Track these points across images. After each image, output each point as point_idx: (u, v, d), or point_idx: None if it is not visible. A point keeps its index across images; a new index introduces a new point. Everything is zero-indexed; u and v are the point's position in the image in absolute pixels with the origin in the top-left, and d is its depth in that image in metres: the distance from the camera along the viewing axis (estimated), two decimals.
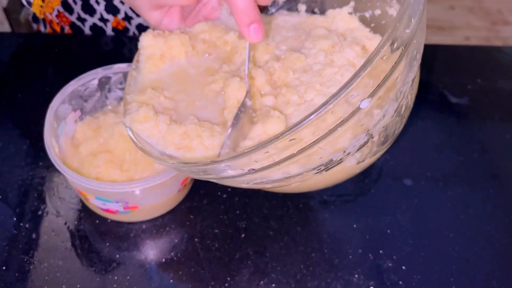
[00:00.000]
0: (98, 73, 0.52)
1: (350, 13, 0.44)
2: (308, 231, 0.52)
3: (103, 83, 0.53)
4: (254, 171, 0.32)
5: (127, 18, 0.69)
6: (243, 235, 0.51)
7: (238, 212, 0.53)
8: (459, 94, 0.66)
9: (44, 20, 0.74)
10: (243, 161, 0.31)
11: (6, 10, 1.54)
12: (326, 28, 0.44)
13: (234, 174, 0.33)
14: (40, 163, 0.55)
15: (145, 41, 0.43)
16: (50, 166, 0.54)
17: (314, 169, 0.33)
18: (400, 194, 0.55)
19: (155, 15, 0.44)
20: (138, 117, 0.39)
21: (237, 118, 0.36)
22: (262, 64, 0.42)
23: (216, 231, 0.51)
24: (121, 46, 0.68)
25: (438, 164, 0.58)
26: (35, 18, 0.81)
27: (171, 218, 0.52)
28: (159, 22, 0.45)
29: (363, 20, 0.44)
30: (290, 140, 0.29)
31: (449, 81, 0.68)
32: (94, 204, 0.49)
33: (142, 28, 0.70)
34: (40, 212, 0.51)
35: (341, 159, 0.33)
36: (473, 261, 0.50)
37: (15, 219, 0.50)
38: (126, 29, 0.71)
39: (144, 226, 0.51)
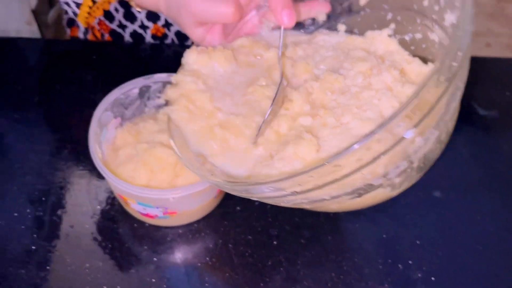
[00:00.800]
0: (139, 82, 0.54)
1: (390, 36, 0.45)
2: (339, 240, 0.54)
3: (143, 92, 0.55)
4: (296, 193, 0.33)
5: (167, 25, 0.71)
6: (275, 242, 0.53)
7: (270, 219, 0.55)
8: (488, 107, 0.66)
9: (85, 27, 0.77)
10: (287, 183, 0.32)
11: (34, 12, 1.58)
12: (365, 50, 0.45)
13: (276, 195, 0.34)
14: (81, 167, 0.57)
15: (190, 58, 0.45)
16: (91, 170, 0.56)
17: (353, 192, 0.34)
18: (429, 205, 0.56)
19: (198, 32, 0.46)
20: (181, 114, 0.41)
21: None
22: (301, 83, 0.44)
23: (249, 237, 0.53)
24: (159, 53, 0.70)
25: (466, 176, 0.59)
26: (70, 23, 0.83)
27: (205, 224, 0.54)
28: (202, 38, 0.47)
29: (403, 43, 0.45)
30: (335, 166, 0.30)
31: (478, 93, 0.68)
32: (134, 208, 0.51)
33: (180, 35, 0.72)
34: (80, 215, 0.53)
35: (380, 184, 0.34)
36: (502, 275, 0.51)
37: (56, 220, 0.52)
38: (165, 36, 0.73)
39: (180, 231, 0.53)
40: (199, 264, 0.51)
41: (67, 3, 0.56)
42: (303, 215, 0.55)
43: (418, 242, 0.53)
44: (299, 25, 0.49)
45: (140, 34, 0.73)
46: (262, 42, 0.47)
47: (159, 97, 0.56)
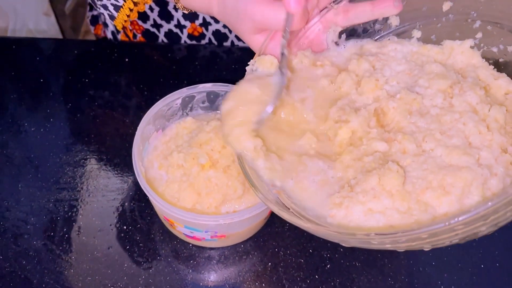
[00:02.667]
0: (183, 92, 0.50)
1: (472, 47, 0.40)
2: (396, 263, 0.50)
3: (186, 102, 0.51)
4: (399, 242, 0.30)
5: (205, 24, 0.67)
6: (328, 266, 0.49)
7: (321, 240, 0.51)
8: None
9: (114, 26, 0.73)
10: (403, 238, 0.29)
11: (51, 2, 1.54)
12: (441, 62, 0.40)
13: (379, 243, 0.31)
14: (119, 182, 0.54)
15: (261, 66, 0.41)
16: (131, 186, 0.53)
17: (460, 240, 0.30)
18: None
19: (258, 39, 0.42)
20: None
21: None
22: (369, 102, 0.39)
23: (301, 260, 0.50)
24: (195, 54, 0.66)
25: None
26: (94, 20, 0.79)
27: (253, 245, 0.50)
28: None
29: (486, 55, 0.40)
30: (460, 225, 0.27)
31: None
32: (180, 231, 0.48)
33: (219, 34, 0.68)
34: (123, 234, 0.50)
35: (478, 232, 0.31)
36: None
37: (96, 241, 0.49)
38: (202, 35, 0.68)
39: (226, 252, 0.50)
40: None
41: (104, 6, 0.52)
42: None
43: (482, 265, 0.50)
44: (364, 31, 0.44)
45: (176, 34, 0.68)
46: (329, 58, 0.42)
47: (202, 108, 0.53)
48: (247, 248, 0.50)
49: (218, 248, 0.50)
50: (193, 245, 0.50)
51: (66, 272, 0.47)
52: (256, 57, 0.42)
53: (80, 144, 0.56)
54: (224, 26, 0.67)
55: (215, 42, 0.69)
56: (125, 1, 0.51)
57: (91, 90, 0.61)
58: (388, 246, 0.31)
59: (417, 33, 0.43)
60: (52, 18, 1.54)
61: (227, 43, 0.69)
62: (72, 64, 0.64)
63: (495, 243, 0.51)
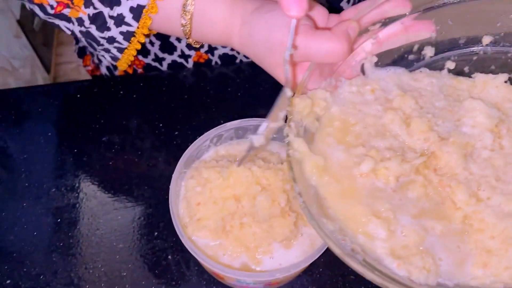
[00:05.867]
0: (211, 133, 0.47)
1: (506, 82, 0.38)
2: None
3: (215, 141, 0.48)
4: None
5: (210, 50, 0.63)
6: None
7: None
8: None
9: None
10: None
11: (19, 22, 1.46)
12: (475, 97, 0.37)
13: None
14: (157, 233, 0.51)
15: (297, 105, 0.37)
16: (167, 236, 0.50)
17: None
18: None
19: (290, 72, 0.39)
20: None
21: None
22: (420, 144, 0.37)
23: (361, 287, 0.48)
24: (202, 79, 0.62)
25: None
26: (81, 52, 0.74)
27: (309, 279, 0.48)
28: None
29: None
30: None
31: None
32: (230, 283, 0.45)
33: (226, 57, 0.64)
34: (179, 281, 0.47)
35: None
36: None
37: None
38: (208, 61, 0.64)
39: None
40: None
41: (106, 50, 0.47)
42: None
43: None
44: (398, 61, 0.41)
45: (180, 63, 0.64)
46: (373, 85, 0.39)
47: (230, 144, 0.49)
48: (304, 283, 0.48)
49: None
50: None
51: None
52: (297, 94, 0.38)
53: (110, 194, 0.53)
54: (232, 49, 0.63)
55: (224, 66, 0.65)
56: (130, 43, 0.47)
57: (105, 138, 0.57)
58: None
59: (450, 65, 0.40)
60: (23, 38, 1.47)
61: (235, 65, 0.65)
62: (73, 108, 0.60)
63: None
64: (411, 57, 0.41)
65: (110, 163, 0.55)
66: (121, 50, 0.47)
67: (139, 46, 0.47)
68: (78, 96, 0.61)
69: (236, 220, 0.43)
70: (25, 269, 0.48)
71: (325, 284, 0.48)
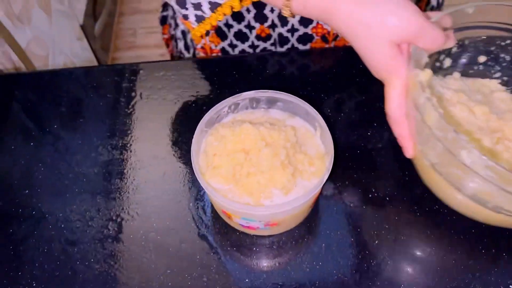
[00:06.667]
0: (229, 101, 0.56)
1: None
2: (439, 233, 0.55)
3: (232, 109, 0.58)
4: None
5: (272, 26, 0.72)
6: (376, 242, 0.55)
7: (368, 220, 0.56)
8: None
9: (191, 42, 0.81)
10: None
11: (82, 27, 1.64)
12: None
13: None
14: (187, 190, 0.61)
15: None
16: (199, 193, 0.60)
17: None
18: None
19: (389, 52, 0.46)
20: None
21: None
22: (484, 123, 0.51)
23: (351, 239, 0.55)
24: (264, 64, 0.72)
25: None
26: (163, 21, 0.87)
27: (306, 229, 0.56)
28: (394, 66, 0.47)
29: None
30: None
31: None
32: (237, 222, 0.54)
33: (281, 37, 0.74)
34: (191, 231, 0.57)
35: None
36: None
37: (167, 239, 0.56)
38: (268, 36, 0.74)
39: (284, 238, 0.56)
40: (308, 270, 0.53)
41: (197, 5, 0.54)
42: (407, 219, 0.57)
43: None
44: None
45: (245, 33, 0.74)
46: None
47: (244, 112, 0.59)
48: (301, 232, 0.56)
49: (276, 235, 0.56)
50: (253, 235, 0.56)
51: (147, 268, 0.54)
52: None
53: (143, 153, 0.63)
54: (288, 30, 0.73)
55: (279, 44, 0.75)
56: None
57: (150, 125, 0.68)
58: None
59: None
60: (85, 41, 1.64)
61: (287, 46, 0.75)
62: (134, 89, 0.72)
63: None
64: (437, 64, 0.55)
65: (149, 126, 0.66)
66: (214, 7, 0.55)
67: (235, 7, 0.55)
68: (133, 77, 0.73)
69: (244, 169, 0.52)
70: (74, 206, 0.59)
71: (319, 234, 0.56)
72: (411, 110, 0.46)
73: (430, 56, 0.52)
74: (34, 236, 0.57)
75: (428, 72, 0.48)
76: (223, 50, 0.78)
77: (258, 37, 0.74)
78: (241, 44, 0.77)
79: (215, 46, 0.78)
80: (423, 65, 0.50)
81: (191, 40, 0.81)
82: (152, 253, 0.55)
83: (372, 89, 0.68)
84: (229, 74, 0.70)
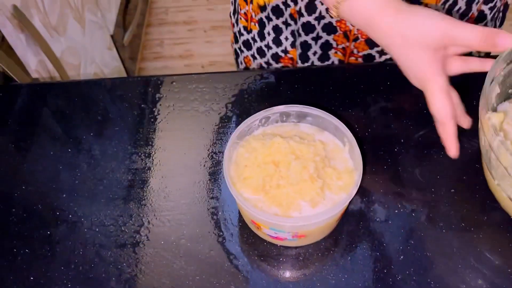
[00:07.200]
0: (260, 114, 0.58)
1: None
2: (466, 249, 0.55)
3: (263, 122, 0.60)
4: None
5: (300, 13, 0.74)
6: (402, 257, 0.56)
7: (393, 235, 0.57)
8: None
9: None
10: None
11: (112, 37, 1.69)
12: None
13: None
14: (211, 194, 0.62)
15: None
16: (219, 197, 0.62)
17: None
18: None
19: (428, 57, 0.48)
20: None
21: None
22: None
23: (377, 253, 0.56)
24: (285, 80, 0.74)
25: None
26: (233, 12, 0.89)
27: (332, 242, 0.57)
28: (435, 71, 0.49)
29: None
30: None
31: None
32: (265, 232, 0.55)
33: (309, 26, 0.76)
34: (220, 239, 0.58)
35: None
36: None
37: (198, 246, 0.58)
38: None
39: (310, 250, 0.57)
40: (333, 282, 0.54)
41: None
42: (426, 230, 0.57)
43: None
44: None
45: (281, 10, 0.76)
46: None
47: (275, 126, 0.61)
48: (328, 245, 0.57)
49: (303, 247, 0.57)
50: (280, 246, 0.58)
51: (178, 273, 0.56)
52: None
53: (175, 162, 0.66)
54: (316, 18, 0.74)
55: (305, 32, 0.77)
56: None
57: (177, 120, 0.71)
58: None
59: None
60: (114, 51, 1.69)
61: (313, 34, 0.77)
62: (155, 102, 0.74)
63: None
64: None
65: (181, 137, 0.69)
66: None
67: None
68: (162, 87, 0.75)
69: (274, 181, 0.54)
70: (108, 211, 0.62)
71: (346, 247, 0.57)
72: (487, 148, 0.50)
73: (501, 85, 0.54)
74: (70, 239, 0.59)
75: (501, 115, 0.52)
76: (260, 21, 0.80)
77: (291, 17, 0.76)
78: (275, 19, 0.78)
79: (255, 16, 0.81)
80: (494, 97, 0.53)
81: (239, 5, 0.84)
82: (182, 259, 0.57)
83: (399, 106, 0.69)
84: (259, 88, 0.72)
